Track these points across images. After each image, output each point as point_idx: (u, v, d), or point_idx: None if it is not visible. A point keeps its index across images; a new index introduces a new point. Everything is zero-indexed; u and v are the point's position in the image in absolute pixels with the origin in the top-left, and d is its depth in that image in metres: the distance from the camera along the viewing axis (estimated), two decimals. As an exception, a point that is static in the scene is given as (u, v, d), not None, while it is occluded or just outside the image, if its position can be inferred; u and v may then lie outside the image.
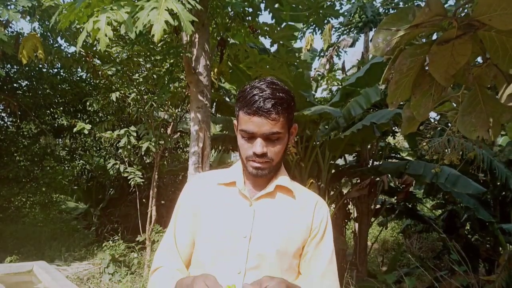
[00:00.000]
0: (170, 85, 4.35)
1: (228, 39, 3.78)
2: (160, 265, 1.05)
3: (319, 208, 1.08)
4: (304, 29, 5.72)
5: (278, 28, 3.43)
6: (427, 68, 1.04)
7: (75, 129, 4.73)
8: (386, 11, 6.41)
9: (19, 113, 6.39)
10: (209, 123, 3.32)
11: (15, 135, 6.97)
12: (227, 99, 6.32)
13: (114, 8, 2.09)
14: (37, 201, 7.75)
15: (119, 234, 6.12)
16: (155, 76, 4.66)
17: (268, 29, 3.44)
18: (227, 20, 3.56)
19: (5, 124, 7.17)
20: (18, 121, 6.79)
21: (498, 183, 5.04)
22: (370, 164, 6.29)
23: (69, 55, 4.95)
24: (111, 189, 8.24)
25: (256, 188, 1.06)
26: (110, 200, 7.78)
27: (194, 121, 3.22)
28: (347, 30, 6.95)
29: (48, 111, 7.17)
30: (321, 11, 3.44)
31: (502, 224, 4.96)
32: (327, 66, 7.26)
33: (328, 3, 3.51)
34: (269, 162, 0.99)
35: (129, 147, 4.74)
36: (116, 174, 5.41)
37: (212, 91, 3.94)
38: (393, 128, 6.25)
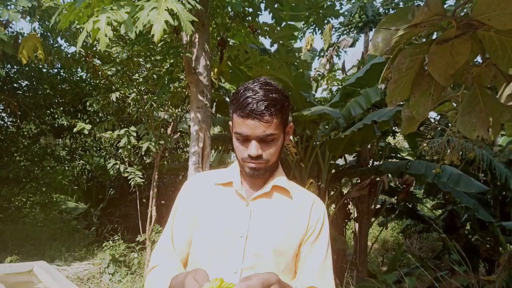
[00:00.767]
0: (170, 85, 4.35)
1: (228, 39, 3.78)
2: (157, 264, 1.05)
3: (316, 208, 1.08)
4: (304, 29, 5.72)
5: (278, 28, 3.43)
6: (426, 67, 1.04)
7: (75, 129, 4.73)
8: (386, 11, 6.41)
9: (19, 113, 6.39)
10: (209, 123, 3.32)
11: (15, 135, 6.97)
12: (227, 99, 6.32)
13: (114, 8, 2.09)
14: (37, 201, 7.74)
15: (119, 234, 6.12)
16: (155, 76, 4.66)
17: (268, 29, 3.44)
18: (227, 20, 3.56)
19: (5, 124, 7.17)
20: (18, 121, 6.79)
21: (498, 183, 5.03)
22: (370, 164, 6.29)
23: (69, 55, 4.95)
24: (111, 189, 8.24)
25: (253, 188, 1.06)
26: (110, 200, 7.78)
27: (194, 121, 3.22)
28: (347, 30, 6.95)
29: (48, 111, 7.17)
30: (321, 11, 3.44)
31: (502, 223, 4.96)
32: (327, 66, 7.25)
33: (328, 3, 3.51)
34: (265, 163, 0.99)
35: (129, 147, 4.74)
36: (116, 174, 5.41)
37: (212, 91, 3.94)
38: (393, 128, 6.25)
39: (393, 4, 5.97)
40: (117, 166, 5.03)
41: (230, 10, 3.45)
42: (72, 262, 6.04)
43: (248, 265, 0.98)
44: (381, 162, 6.46)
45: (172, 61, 3.98)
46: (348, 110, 4.90)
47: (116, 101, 4.98)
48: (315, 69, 7.40)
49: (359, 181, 6.31)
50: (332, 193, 6.44)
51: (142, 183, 4.99)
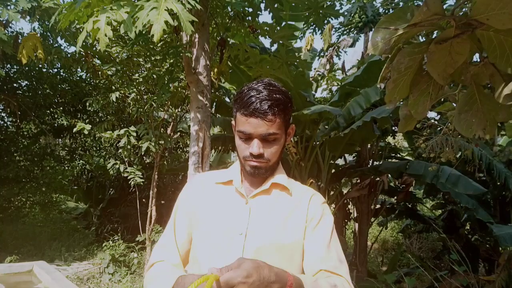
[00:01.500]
0: (170, 85, 4.35)
1: (228, 39, 3.79)
2: (158, 260, 1.05)
3: (314, 200, 1.09)
4: (304, 29, 5.72)
5: (278, 28, 3.43)
6: (425, 67, 1.05)
7: (75, 129, 4.73)
8: (386, 11, 6.40)
9: (19, 113, 6.40)
10: (209, 123, 3.33)
11: (15, 135, 6.97)
12: (227, 99, 6.32)
13: (114, 8, 2.09)
14: (37, 201, 7.75)
15: (119, 234, 6.12)
16: (155, 76, 4.66)
17: (268, 29, 3.45)
18: (227, 20, 3.57)
19: (5, 124, 7.17)
20: (18, 121, 6.79)
21: (498, 183, 5.04)
22: (370, 164, 6.29)
23: (69, 55, 4.95)
24: (111, 189, 8.25)
25: (253, 187, 1.07)
26: (110, 200, 7.79)
27: (194, 121, 3.23)
28: (347, 30, 6.94)
29: (48, 111, 7.18)
30: (321, 11, 3.45)
31: (501, 224, 4.95)
32: (327, 66, 7.25)
33: (328, 3, 3.52)
34: (266, 162, 1.01)
35: (129, 147, 4.74)
36: (116, 174, 5.41)
37: (212, 91, 3.95)
38: (393, 128, 6.25)
39: (393, 4, 5.97)
40: (117, 166, 5.04)
41: (230, 10, 3.45)
42: (72, 262, 6.04)
43: None
44: (380, 162, 6.46)
45: (172, 61, 3.99)
46: (348, 110, 4.91)
47: (116, 101, 4.98)
48: (315, 69, 7.40)
49: (359, 181, 6.31)
50: (332, 193, 6.44)
51: (142, 183, 4.99)
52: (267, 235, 1.00)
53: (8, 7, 3.61)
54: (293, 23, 4.50)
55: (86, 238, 7.44)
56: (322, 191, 5.36)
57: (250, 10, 3.30)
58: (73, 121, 6.46)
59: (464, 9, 1.16)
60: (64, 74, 6.88)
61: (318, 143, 5.38)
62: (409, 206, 6.82)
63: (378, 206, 6.70)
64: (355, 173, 5.78)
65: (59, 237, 7.53)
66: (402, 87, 1.07)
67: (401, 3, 5.79)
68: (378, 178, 5.81)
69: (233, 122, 1.06)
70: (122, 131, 4.66)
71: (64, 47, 8.53)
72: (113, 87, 5.32)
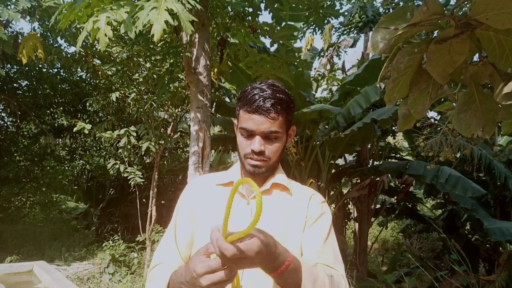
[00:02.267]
0: (170, 85, 4.35)
1: (228, 38, 3.79)
2: (159, 262, 1.05)
3: (314, 199, 1.09)
4: (304, 29, 5.72)
5: (278, 28, 3.43)
6: (424, 66, 1.05)
7: (75, 129, 4.73)
8: (386, 11, 6.40)
9: (19, 113, 6.40)
10: (209, 123, 3.33)
11: (15, 135, 6.98)
12: (226, 99, 6.32)
13: (114, 8, 2.10)
14: (37, 201, 7.76)
15: (119, 234, 6.12)
16: (155, 76, 4.66)
17: (268, 29, 3.45)
18: (227, 20, 3.57)
19: (5, 124, 7.17)
20: (18, 121, 6.79)
21: (498, 183, 5.03)
22: (370, 164, 6.29)
23: (69, 55, 4.95)
24: (111, 189, 8.25)
25: None
26: (110, 200, 7.79)
27: (194, 121, 3.23)
28: (347, 30, 6.94)
29: (48, 111, 7.18)
30: (321, 11, 3.45)
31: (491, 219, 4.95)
32: (327, 66, 7.25)
33: (328, 3, 3.52)
34: (267, 160, 1.01)
35: (129, 147, 4.74)
36: (116, 174, 5.41)
37: (212, 91, 3.95)
38: (393, 128, 6.25)
39: (393, 4, 5.96)
40: (117, 166, 5.04)
41: (230, 10, 3.45)
42: (72, 262, 6.05)
43: None
44: (381, 162, 6.46)
45: (172, 61, 3.99)
46: (348, 109, 4.91)
47: (116, 101, 4.98)
48: (315, 69, 7.40)
49: (359, 181, 6.31)
50: (332, 193, 6.44)
51: (142, 183, 5.00)
52: None
53: (8, 7, 3.61)
54: (293, 23, 4.50)
55: (86, 238, 7.45)
56: (322, 191, 5.36)
57: (250, 10, 3.30)
58: (73, 121, 6.46)
59: (463, 9, 1.16)
60: (64, 74, 6.88)
61: (318, 143, 5.38)
62: (409, 206, 6.82)
63: (378, 206, 6.70)
64: (355, 173, 5.78)
65: (59, 237, 7.53)
66: (402, 87, 1.07)
67: (401, 3, 5.78)
68: (378, 178, 5.81)
69: (235, 121, 1.06)
70: (122, 131, 4.66)
71: (64, 47, 8.54)
72: (113, 87, 5.33)
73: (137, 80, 4.80)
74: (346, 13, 6.46)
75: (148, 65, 4.63)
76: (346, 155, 6.92)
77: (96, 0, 2.20)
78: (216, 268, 0.75)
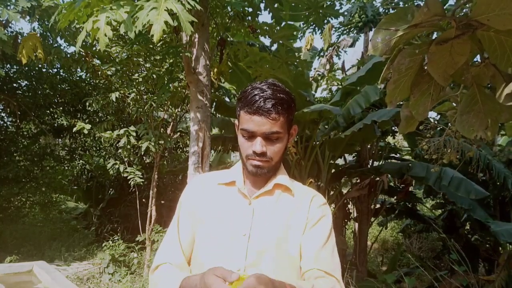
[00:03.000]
0: (170, 85, 4.35)
1: (228, 38, 3.79)
2: (162, 262, 1.05)
3: (315, 201, 1.09)
4: (304, 29, 5.72)
5: (278, 28, 3.43)
6: (426, 67, 1.04)
7: (74, 129, 4.73)
8: (386, 11, 6.40)
9: (19, 113, 6.40)
10: (209, 123, 3.32)
11: (15, 135, 6.97)
12: (226, 99, 6.31)
13: (113, 8, 2.09)
14: (37, 201, 7.75)
15: (119, 234, 6.12)
16: (154, 76, 4.66)
17: (268, 28, 3.45)
18: (227, 20, 3.57)
19: (5, 124, 7.16)
20: (18, 121, 6.79)
21: (498, 183, 5.03)
22: (370, 164, 6.29)
23: (68, 55, 4.95)
24: (111, 189, 8.25)
25: (255, 187, 1.07)
26: (110, 200, 7.79)
27: (194, 121, 3.23)
28: (347, 30, 6.94)
29: (48, 111, 7.17)
30: (321, 11, 3.44)
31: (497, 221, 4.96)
32: (327, 66, 7.25)
33: (328, 3, 3.52)
34: (268, 161, 1.01)
35: (128, 147, 4.74)
36: (116, 174, 5.41)
37: (212, 91, 3.94)
38: (393, 128, 6.25)
39: (393, 4, 5.96)
40: (117, 166, 5.04)
41: (230, 10, 3.45)
42: (71, 262, 6.04)
43: (251, 262, 0.98)
44: (380, 162, 6.46)
45: (171, 61, 3.99)
46: (348, 109, 4.91)
47: (115, 101, 4.98)
48: (315, 69, 7.39)
49: (358, 181, 6.31)
50: (331, 193, 6.44)
51: (141, 183, 4.99)
52: (271, 236, 1.00)
53: (8, 7, 3.60)
54: (292, 23, 4.49)
55: (86, 238, 7.44)
56: (322, 191, 5.36)
57: (250, 10, 3.30)
58: (73, 121, 6.46)
59: (464, 10, 1.16)
60: (64, 74, 6.87)
61: (318, 143, 5.38)
62: (409, 206, 6.82)
63: (378, 206, 6.70)
64: (355, 173, 5.78)
65: (59, 237, 7.52)
66: (403, 88, 1.07)
67: (401, 3, 5.78)
68: (378, 178, 5.81)
69: (236, 122, 1.06)
70: (122, 131, 4.65)
71: (64, 47, 8.51)
72: (113, 87, 5.32)
73: (137, 80, 4.79)
74: (346, 13, 6.45)
75: (147, 65, 4.63)
76: (346, 155, 6.92)
77: (95, 0, 2.20)
78: None
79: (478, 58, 1.18)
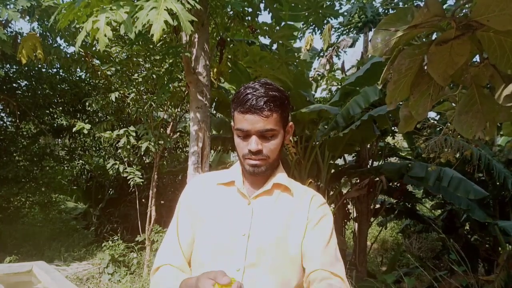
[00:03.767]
0: (170, 85, 4.35)
1: (228, 38, 3.79)
2: (162, 264, 1.05)
3: (315, 201, 1.09)
4: (304, 29, 5.72)
5: (278, 28, 3.43)
6: (425, 68, 1.05)
7: (74, 129, 4.73)
8: (386, 11, 6.40)
9: (19, 113, 6.39)
10: (209, 123, 3.33)
11: (15, 135, 6.96)
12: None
13: (113, 8, 2.09)
14: (36, 201, 7.74)
15: (119, 234, 6.11)
16: (154, 76, 4.66)
17: (267, 28, 3.45)
18: (227, 20, 3.57)
19: (5, 124, 7.16)
20: (18, 121, 6.78)
21: (497, 183, 5.04)
22: (370, 164, 6.29)
23: (68, 55, 4.94)
24: (110, 189, 8.24)
25: (254, 187, 1.07)
26: (110, 200, 7.78)
27: (194, 121, 3.23)
28: (347, 30, 6.94)
29: (48, 111, 7.17)
30: (320, 11, 3.45)
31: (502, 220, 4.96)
32: (327, 66, 7.25)
33: (328, 3, 3.52)
34: (265, 159, 1.01)
35: (128, 147, 4.74)
36: (115, 174, 5.40)
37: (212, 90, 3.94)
38: (393, 128, 6.25)
39: (393, 4, 5.97)
40: (117, 166, 5.04)
41: (229, 10, 3.45)
42: (71, 262, 6.04)
43: (251, 262, 0.98)
44: (380, 162, 6.46)
45: (171, 61, 3.98)
46: (347, 109, 4.91)
47: (115, 101, 4.98)
48: (314, 69, 7.40)
49: (358, 181, 6.31)
50: (331, 193, 6.44)
51: (141, 183, 4.99)
52: (270, 236, 1.01)
53: (8, 7, 3.60)
54: (292, 23, 4.50)
55: (86, 238, 7.43)
56: (321, 191, 5.36)
57: (250, 10, 3.30)
58: (72, 121, 6.46)
59: (464, 11, 1.16)
60: (63, 74, 6.87)
61: (317, 143, 5.38)
62: (409, 206, 6.82)
63: (377, 206, 6.70)
64: (355, 173, 5.78)
65: (58, 237, 7.52)
66: (403, 88, 1.07)
67: (400, 3, 5.79)
68: (377, 178, 5.81)
69: (232, 123, 1.06)
70: (121, 131, 4.65)
71: (64, 47, 8.50)
72: (113, 87, 5.32)
73: (137, 80, 4.79)
74: (345, 13, 6.46)
75: (147, 65, 4.63)
76: (346, 155, 6.92)
77: (95, 0, 2.20)
78: None
79: (477, 58, 1.18)
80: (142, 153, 5.30)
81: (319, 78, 7.19)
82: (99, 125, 5.07)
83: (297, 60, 3.99)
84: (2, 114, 7.10)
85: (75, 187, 8.89)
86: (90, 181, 8.54)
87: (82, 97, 6.25)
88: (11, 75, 6.50)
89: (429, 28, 1.04)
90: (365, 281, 5.13)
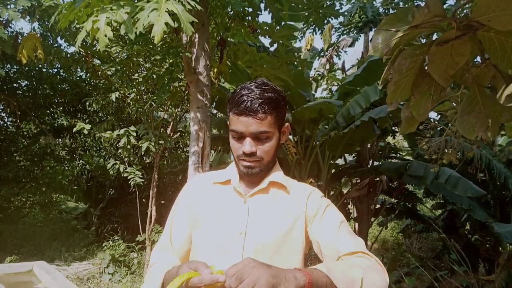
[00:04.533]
0: (170, 85, 4.35)
1: (228, 38, 3.79)
2: (155, 262, 1.06)
3: (313, 196, 1.08)
4: (304, 29, 5.72)
5: (278, 28, 3.43)
6: (426, 68, 1.04)
7: (75, 129, 4.72)
8: (386, 11, 6.40)
9: (19, 113, 6.39)
10: (209, 123, 3.33)
11: (15, 135, 6.96)
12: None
13: (113, 8, 2.09)
14: (37, 201, 7.74)
15: (119, 234, 6.12)
16: (154, 76, 4.66)
17: (268, 28, 3.45)
18: (227, 20, 3.57)
19: (5, 124, 7.16)
20: (18, 121, 6.78)
21: (498, 183, 5.03)
22: (370, 164, 6.29)
23: (68, 55, 4.94)
24: (111, 189, 8.24)
25: (251, 186, 1.08)
26: (110, 200, 7.78)
27: (194, 121, 3.23)
28: (347, 30, 6.94)
29: (48, 111, 7.17)
30: (321, 11, 3.45)
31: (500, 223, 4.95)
32: (327, 66, 7.25)
33: (328, 3, 3.52)
34: (259, 161, 1.01)
35: (128, 147, 4.74)
36: (116, 174, 5.40)
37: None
38: (393, 128, 6.25)
39: (393, 4, 5.96)
40: (117, 166, 5.03)
41: (230, 10, 3.45)
42: (72, 262, 6.04)
43: None
44: (380, 162, 6.45)
45: (171, 61, 3.98)
46: (348, 109, 4.91)
47: (115, 101, 4.98)
48: (315, 69, 7.39)
49: (358, 181, 6.31)
50: (332, 193, 6.44)
51: (142, 183, 4.99)
52: (266, 234, 1.01)
53: (8, 7, 3.60)
54: (292, 23, 4.49)
55: (86, 238, 7.44)
56: (322, 191, 5.33)
57: (250, 10, 3.30)
58: (73, 121, 6.46)
59: (465, 11, 1.16)
60: (64, 74, 6.87)
61: (318, 143, 5.38)
62: (409, 206, 6.81)
63: (378, 206, 6.70)
64: (355, 173, 5.78)
65: (59, 237, 7.52)
66: (404, 89, 1.07)
67: (401, 3, 5.78)
68: (377, 178, 5.81)
69: (228, 123, 1.06)
70: (122, 131, 4.65)
71: (64, 47, 8.53)
72: (113, 87, 5.32)
73: (137, 80, 4.79)
74: (346, 13, 6.45)
75: (147, 65, 4.63)
76: (346, 155, 6.92)
77: (96, 0, 2.19)
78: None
79: (478, 58, 1.18)
80: (143, 153, 5.30)
81: (319, 78, 7.19)
82: (99, 125, 5.07)
83: (297, 60, 3.99)
84: (3, 114, 7.11)
85: (75, 187, 8.90)
86: (91, 181, 8.54)
87: (82, 97, 6.25)
88: (12, 75, 6.50)
89: (429, 29, 1.04)
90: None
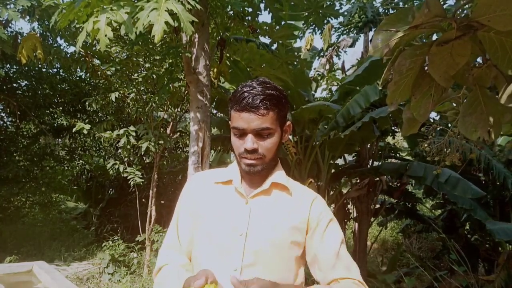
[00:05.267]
0: (170, 85, 4.35)
1: (229, 37, 3.79)
2: (164, 263, 1.05)
3: (316, 204, 1.09)
4: (304, 29, 5.72)
5: (278, 28, 3.43)
6: (426, 68, 1.04)
7: (74, 129, 4.72)
8: (386, 11, 6.40)
9: (19, 113, 6.39)
10: (209, 123, 3.33)
11: (15, 135, 6.96)
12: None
13: (113, 9, 2.09)
14: (36, 201, 7.74)
15: (119, 234, 6.11)
16: (154, 76, 4.65)
17: (267, 28, 3.45)
18: (227, 20, 3.57)
19: (5, 124, 7.16)
20: (18, 121, 6.78)
21: (498, 183, 5.03)
22: (370, 164, 6.29)
23: (68, 55, 4.94)
24: (110, 189, 8.24)
25: (252, 186, 1.07)
26: (110, 200, 7.78)
27: (194, 121, 3.23)
28: (347, 30, 6.94)
29: (48, 111, 7.16)
30: (320, 11, 3.45)
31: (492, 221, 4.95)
32: (327, 66, 7.25)
33: (328, 3, 3.52)
34: (261, 158, 1.00)
35: (128, 147, 4.73)
36: (115, 174, 5.40)
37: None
38: (393, 128, 6.25)
39: (393, 4, 5.96)
40: (117, 166, 5.03)
41: (229, 10, 3.45)
42: (71, 262, 6.04)
43: (248, 262, 0.98)
44: (380, 162, 6.46)
45: (171, 61, 3.98)
46: (347, 109, 4.91)
47: (115, 101, 4.97)
48: (314, 69, 7.39)
49: (358, 181, 6.31)
50: (331, 193, 6.44)
51: (141, 183, 4.99)
52: (267, 236, 1.01)
53: (8, 6, 3.59)
54: (292, 22, 4.49)
55: (86, 238, 7.43)
56: (321, 191, 5.36)
57: (250, 10, 3.30)
58: (72, 121, 6.45)
59: (465, 11, 1.16)
60: (63, 74, 6.86)
61: (317, 143, 5.38)
62: (409, 206, 6.82)
63: (377, 206, 6.70)
64: (355, 173, 5.78)
65: (58, 237, 7.51)
66: (404, 89, 1.07)
67: (400, 3, 5.78)
68: (377, 178, 5.81)
69: (230, 122, 1.06)
70: (121, 131, 4.65)
71: (64, 47, 8.51)
72: (113, 87, 5.31)
73: (137, 80, 4.79)
74: (345, 13, 6.45)
75: (147, 65, 4.62)
76: (346, 155, 6.92)
77: (95, 0, 2.19)
78: None
79: (479, 59, 1.18)
80: (142, 153, 5.30)
81: (319, 78, 7.19)
82: (99, 125, 5.07)
83: (297, 60, 3.99)
84: (2, 114, 7.10)
85: (75, 187, 8.89)
86: (90, 181, 8.54)
87: (82, 97, 6.25)
88: (11, 75, 6.49)
89: (430, 29, 1.03)
90: (365, 281, 5.13)
